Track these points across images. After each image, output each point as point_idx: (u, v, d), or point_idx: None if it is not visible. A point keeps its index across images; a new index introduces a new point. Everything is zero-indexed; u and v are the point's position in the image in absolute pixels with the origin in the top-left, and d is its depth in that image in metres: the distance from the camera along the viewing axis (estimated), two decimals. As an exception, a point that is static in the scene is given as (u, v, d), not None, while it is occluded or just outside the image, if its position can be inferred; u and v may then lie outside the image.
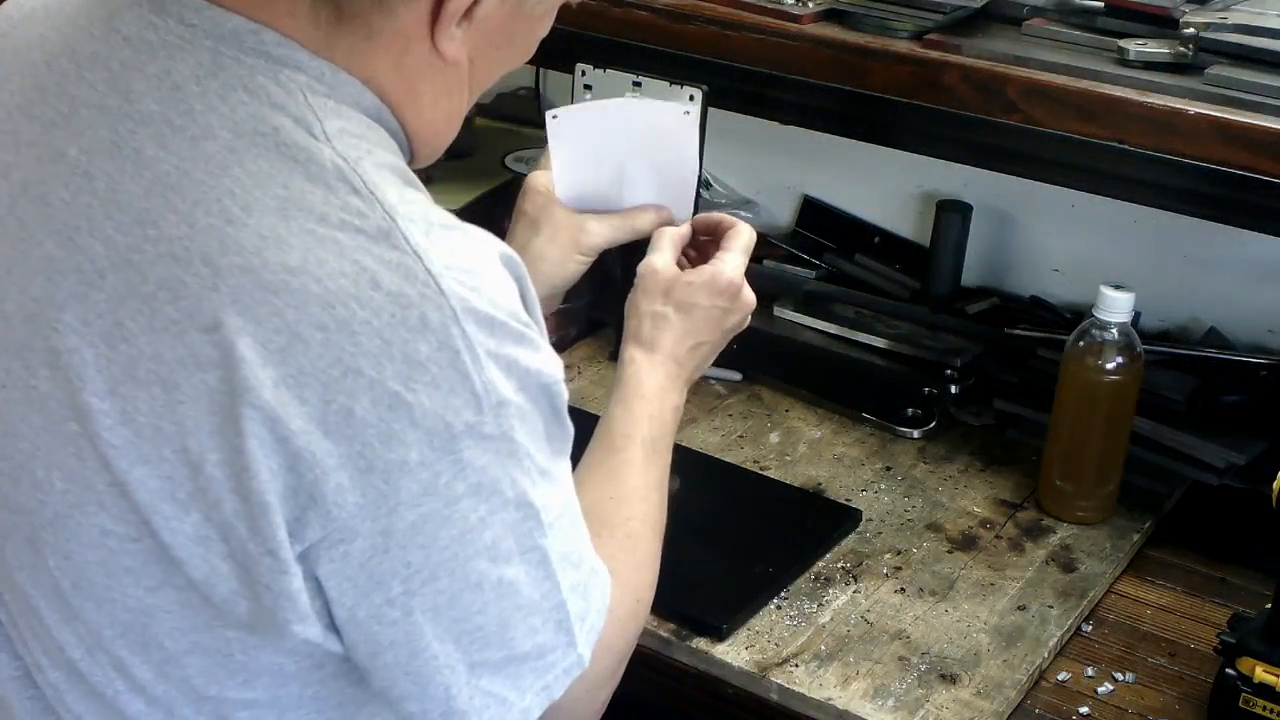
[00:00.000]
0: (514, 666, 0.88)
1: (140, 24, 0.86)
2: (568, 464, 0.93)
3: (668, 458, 1.17)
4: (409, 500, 0.81)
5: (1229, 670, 1.22)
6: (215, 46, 0.84)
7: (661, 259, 1.20)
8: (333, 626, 0.86)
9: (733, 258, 1.20)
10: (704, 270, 1.19)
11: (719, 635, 1.31)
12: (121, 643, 0.87)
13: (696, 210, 1.27)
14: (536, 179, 1.25)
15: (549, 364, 0.87)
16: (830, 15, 1.50)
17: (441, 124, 0.95)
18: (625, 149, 1.24)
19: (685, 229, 1.24)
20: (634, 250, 1.33)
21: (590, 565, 0.94)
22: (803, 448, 1.62)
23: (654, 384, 1.16)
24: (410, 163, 0.93)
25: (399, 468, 0.80)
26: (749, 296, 1.21)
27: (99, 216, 0.83)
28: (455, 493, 0.82)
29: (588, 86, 1.31)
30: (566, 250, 1.23)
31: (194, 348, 0.80)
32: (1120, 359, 1.44)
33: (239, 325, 0.79)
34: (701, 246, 1.25)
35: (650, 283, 1.19)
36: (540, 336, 0.88)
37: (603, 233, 1.24)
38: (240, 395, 0.79)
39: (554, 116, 1.23)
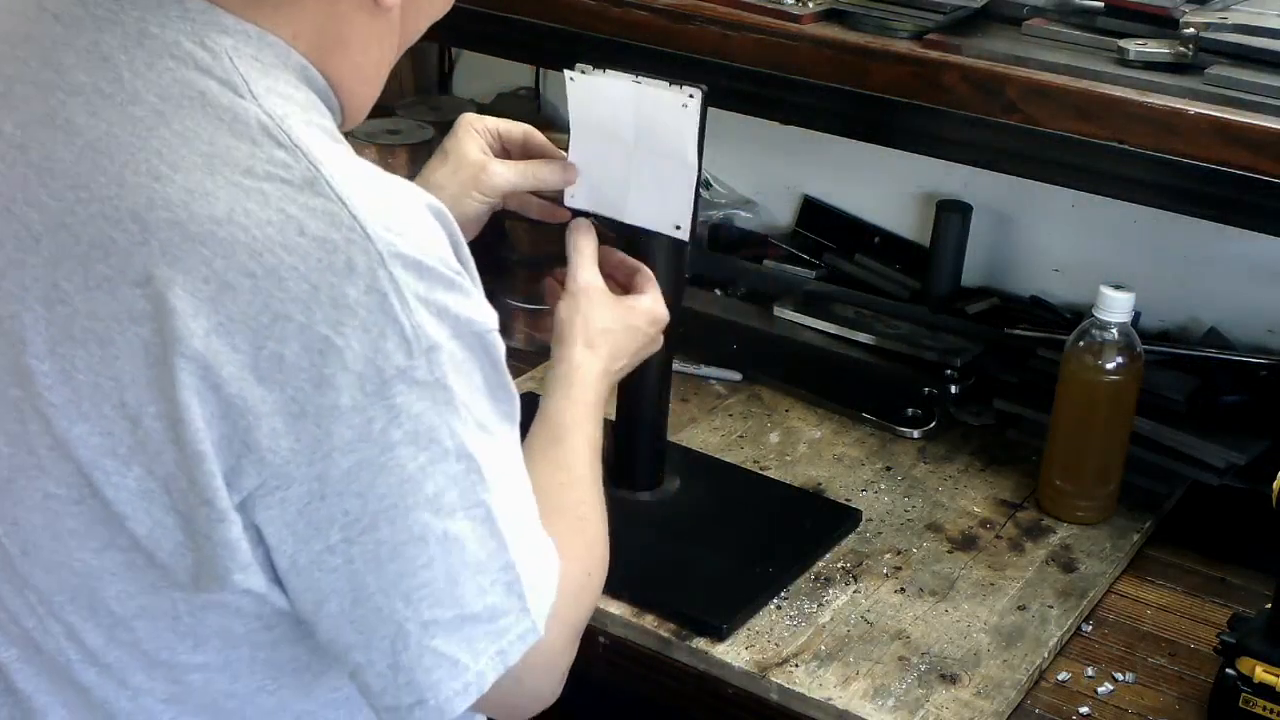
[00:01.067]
0: (467, 628, 0.88)
1: (69, 1, 0.88)
2: (513, 431, 0.93)
3: (600, 464, 1.17)
4: (343, 446, 0.82)
5: (1229, 670, 1.22)
6: (141, 16, 0.86)
7: (594, 275, 1.24)
8: (277, 580, 0.86)
9: (659, 294, 1.27)
10: (645, 299, 1.26)
11: (719, 635, 1.31)
12: (71, 608, 0.89)
13: (697, 208, 1.28)
14: (465, 118, 1.28)
15: (482, 312, 0.88)
16: (830, 15, 1.50)
17: (370, 71, 0.96)
18: (633, 130, 1.25)
19: (594, 238, 1.27)
20: (634, 252, 1.33)
21: (537, 534, 0.95)
22: (803, 448, 1.62)
23: (596, 392, 1.19)
24: (341, 125, 0.95)
25: (331, 412, 0.81)
26: (660, 339, 1.28)
27: (34, 185, 0.85)
28: (391, 439, 0.83)
29: None
30: (465, 186, 1.25)
31: (127, 302, 0.82)
32: (1120, 359, 1.44)
33: (169, 277, 0.81)
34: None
35: (599, 298, 1.23)
36: (475, 287, 0.89)
37: (505, 175, 1.26)
38: (172, 345, 0.80)
39: (571, 79, 1.27)
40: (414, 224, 0.85)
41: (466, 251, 0.91)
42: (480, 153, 1.26)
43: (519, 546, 0.90)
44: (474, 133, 1.27)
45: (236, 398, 0.80)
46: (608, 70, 1.28)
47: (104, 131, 0.84)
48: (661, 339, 1.28)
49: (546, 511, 1.00)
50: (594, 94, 1.27)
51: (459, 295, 0.86)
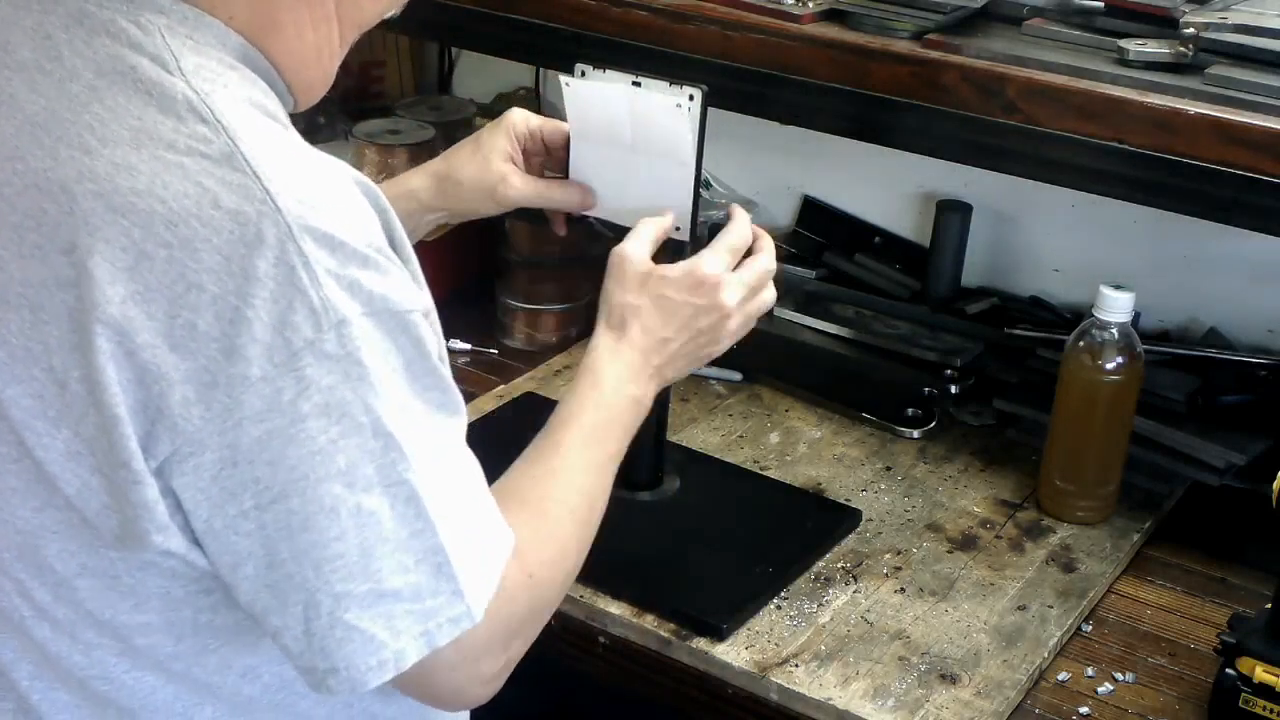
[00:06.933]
0: (385, 604, 0.88)
1: None
2: (451, 419, 0.92)
3: (613, 448, 1.14)
4: (253, 415, 0.84)
5: (1229, 670, 1.22)
6: None
7: (634, 246, 1.20)
8: (196, 542, 0.88)
9: (713, 255, 1.20)
10: (681, 264, 1.19)
11: (719, 635, 1.31)
12: (20, 565, 0.92)
13: (697, 208, 1.28)
14: (512, 116, 1.30)
15: (400, 292, 0.88)
16: (830, 15, 1.50)
17: (310, 57, 0.97)
18: (629, 134, 1.25)
19: (668, 220, 1.24)
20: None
21: (489, 523, 0.94)
22: (803, 448, 1.62)
23: (612, 372, 1.15)
24: (295, 107, 0.97)
25: (241, 382, 0.83)
26: (727, 298, 1.19)
27: None
28: (301, 411, 0.84)
29: None
30: (483, 190, 1.28)
31: (55, 269, 0.85)
32: (1120, 359, 1.44)
33: (90, 245, 0.84)
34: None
35: (621, 271, 1.19)
36: (397, 267, 0.89)
37: (521, 189, 1.28)
38: (91, 311, 0.83)
39: (566, 84, 1.27)
40: (332, 200, 0.87)
41: (400, 232, 0.92)
42: (506, 162, 1.27)
43: (451, 530, 0.89)
44: (511, 137, 1.28)
45: (150, 364, 0.83)
46: (608, 70, 1.28)
47: (43, 107, 0.88)
48: (718, 309, 1.18)
49: (505, 503, 0.99)
50: (589, 99, 1.27)
51: (374, 273, 0.86)
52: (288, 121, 0.92)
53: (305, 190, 0.86)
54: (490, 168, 1.27)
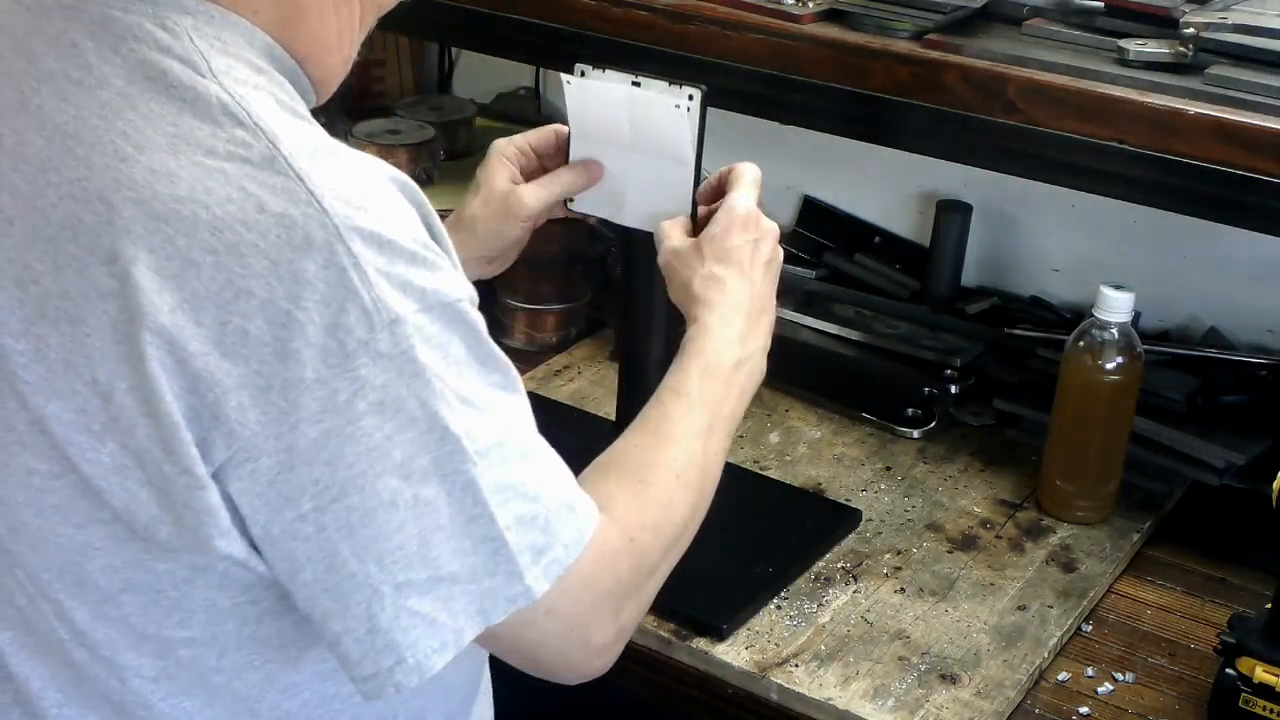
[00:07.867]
0: (444, 588, 0.88)
1: None
2: (511, 399, 0.92)
3: (726, 410, 1.14)
4: (309, 417, 0.83)
5: (1229, 670, 1.22)
6: (105, 2, 0.88)
7: (676, 241, 1.22)
8: (255, 547, 0.88)
9: (739, 193, 1.22)
10: (719, 217, 1.21)
11: (719, 635, 1.31)
12: (59, 586, 0.91)
13: (695, 208, 1.28)
14: (496, 144, 1.30)
15: (449, 284, 0.88)
16: (830, 15, 1.50)
17: (332, 42, 0.97)
18: (630, 134, 1.26)
19: (684, 218, 1.25)
20: (635, 251, 1.33)
21: (557, 499, 0.93)
22: (803, 448, 1.62)
23: (711, 341, 1.16)
24: (316, 100, 0.97)
25: (296, 385, 0.83)
26: (770, 223, 1.22)
27: (6, 170, 0.88)
28: (356, 410, 0.84)
29: None
30: (499, 215, 1.27)
31: (95, 281, 0.84)
32: (1120, 359, 1.44)
33: (133, 254, 0.83)
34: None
35: (677, 259, 1.20)
36: (443, 259, 0.89)
37: (534, 195, 1.28)
38: (139, 321, 0.82)
39: (568, 82, 1.28)
40: (375, 199, 0.87)
41: (438, 224, 0.92)
42: (509, 182, 1.28)
43: (510, 513, 0.89)
44: (504, 162, 1.28)
45: (203, 372, 0.82)
46: (608, 70, 1.28)
47: (73, 116, 0.86)
48: (770, 234, 1.21)
49: (606, 475, 1.01)
50: (590, 97, 1.27)
51: (423, 269, 0.87)
52: (314, 122, 0.92)
53: (349, 191, 0.85)
54: (496, 187, 1.27)
